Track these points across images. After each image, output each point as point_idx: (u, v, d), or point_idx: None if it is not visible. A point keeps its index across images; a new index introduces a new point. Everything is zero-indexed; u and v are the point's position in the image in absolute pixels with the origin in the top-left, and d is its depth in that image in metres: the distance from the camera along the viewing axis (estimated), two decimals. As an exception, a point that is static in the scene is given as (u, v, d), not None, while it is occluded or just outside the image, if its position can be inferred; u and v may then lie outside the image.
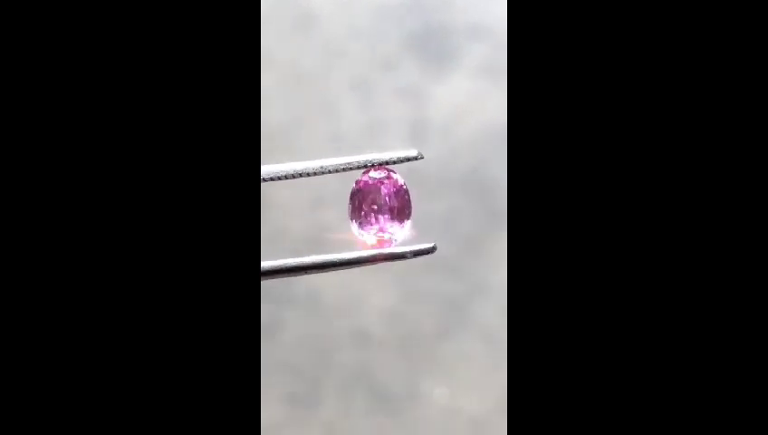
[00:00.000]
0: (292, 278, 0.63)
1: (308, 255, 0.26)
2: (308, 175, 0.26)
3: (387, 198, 0.26)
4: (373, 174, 0.27)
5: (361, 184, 0.26)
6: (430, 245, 0.26)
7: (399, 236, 0.26)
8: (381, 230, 0.26)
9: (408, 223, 0.27)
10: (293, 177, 0.26)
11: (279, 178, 0.26)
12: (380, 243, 0.26)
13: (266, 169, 0.26)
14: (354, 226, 0.27)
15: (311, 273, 0.26)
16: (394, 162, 0.26)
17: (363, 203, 0.26)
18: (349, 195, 0.27)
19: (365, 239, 0.26)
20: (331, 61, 0.65)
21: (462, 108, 0.64)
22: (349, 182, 0.28)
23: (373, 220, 0.26)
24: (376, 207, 0.26)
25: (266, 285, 0.68)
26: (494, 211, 0.63)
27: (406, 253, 0.26)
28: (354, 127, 0.64)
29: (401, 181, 0.26)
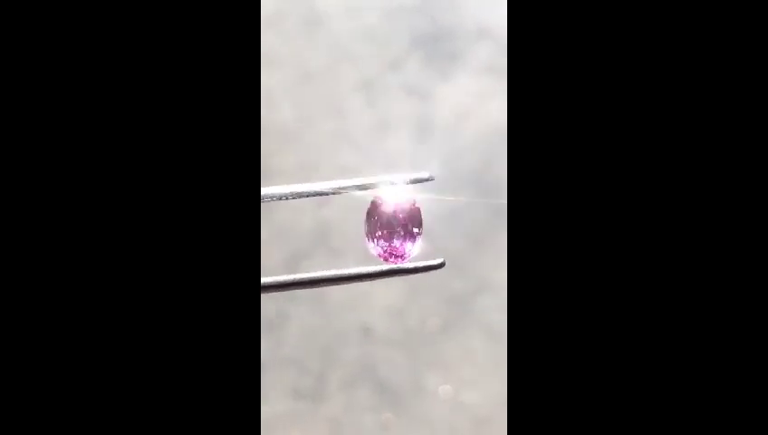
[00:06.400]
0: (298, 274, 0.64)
1: (323, 269, 0.28)
2: (323, 194, 0.27)
3: (401, 218, 0.28)
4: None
5: (376, 204, 0.28)
6: (439, 261, 0.27)
7: (413, 252, 0.28)
8: (395, 248, 0.28)
9: (419, 240, 0.28)
10: (311, 196, 0.27)
11: (296, 197, 0.27)
12: (393, 259, 0.28)
13: (283, 189, 0.27)
14: (370, 243, 0.28)
15: (325, 286, 0.27)
16: (406, 184, 0.28)
17: (378, 222, 0.28)
18: (364, 214, 0.28)
19: (379, 255, 0.28)
20: (338, 61, 0.65)
21: (467, 107, 0.65)
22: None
23: (387, 238, 0.28)
24: (390, 225, 0.27)
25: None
26: (497, 209, 0.63)
27: (417, 268, 0.27)
28: (361, 126, 0.64)
29: (414, 201, 0.28)
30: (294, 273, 0.63)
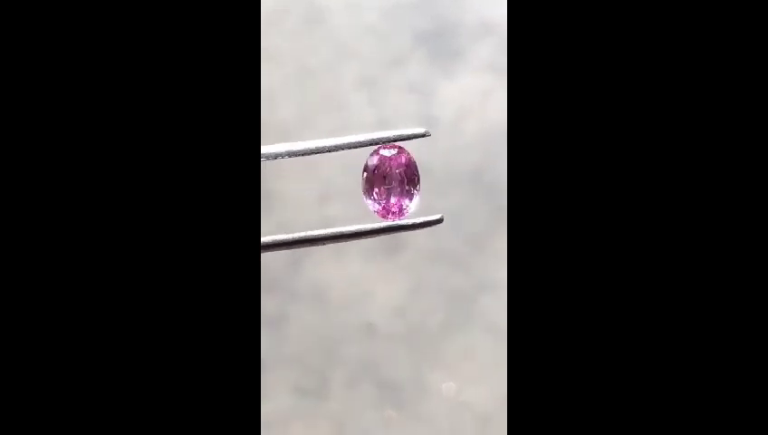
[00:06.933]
0: (299, 272, 0.63)
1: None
2: (321, 152, 0.27)
3: (397, 173, 0.28)
4: (384, 151, 0.28)
5: (374, 160, 0.28)
6: (438, 216, 0.27)
7: (410, 208, 0.28)
8: (392, 204, 0.28)
9: (417, 197, 0.28)
10: (308, 154, 0.27)
11: (293, 156, 0.27)
12: (391, 215, 0.28)
13: (280, 147, 0.27)
14: (367, 200, 0.28)
15: (325, 244, 0.27)
16: (403, 139, 0.28)
17: (375, 178, 0.28)
18: (361, 170, 0.28)
19: (377, 212, 0.28)
20: (339, 58, 0.65)
21: (470, 105, 0.65)
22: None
23: (384, 194, 0.28)
24: (387, 181, 0.27)
25: (273, 279, 0.68)
26: (500, 207, 0.63)
27: (415, 224, 0.27)
28: (362, 124, 0.64)
29: (411, 156, 0.28)
30: (295, 272, 0.63)
